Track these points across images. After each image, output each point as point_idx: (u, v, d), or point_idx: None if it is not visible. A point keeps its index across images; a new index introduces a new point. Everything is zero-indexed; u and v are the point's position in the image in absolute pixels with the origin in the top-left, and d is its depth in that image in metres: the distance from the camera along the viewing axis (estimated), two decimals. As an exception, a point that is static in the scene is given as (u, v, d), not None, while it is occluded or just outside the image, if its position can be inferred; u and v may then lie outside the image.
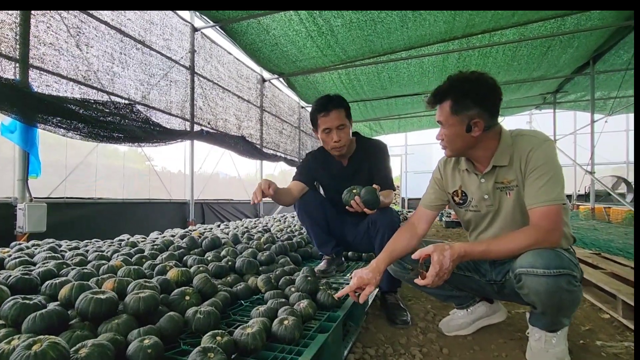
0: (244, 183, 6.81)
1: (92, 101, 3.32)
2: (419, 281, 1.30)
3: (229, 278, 1.66)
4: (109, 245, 2.19)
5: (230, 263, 1.83)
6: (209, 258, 1.90)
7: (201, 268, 1.61)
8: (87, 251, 2.04)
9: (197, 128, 4.77)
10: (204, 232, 3.20)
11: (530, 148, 1.31)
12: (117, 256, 1.84)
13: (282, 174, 8.85)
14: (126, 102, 3.71)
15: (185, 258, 1.88)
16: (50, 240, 2.39)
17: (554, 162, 1.29)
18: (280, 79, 7.20)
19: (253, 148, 5.86)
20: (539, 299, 1.22)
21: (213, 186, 6.14)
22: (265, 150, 6.70)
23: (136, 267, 1.55)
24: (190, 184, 4.83)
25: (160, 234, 3.24)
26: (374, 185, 1.64)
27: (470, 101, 1.30)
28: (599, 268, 2.36)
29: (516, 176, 1.35)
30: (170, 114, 4.35)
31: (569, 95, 9.26)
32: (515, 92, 8.64)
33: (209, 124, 5.05)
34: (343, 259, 2.27)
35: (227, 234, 3.24)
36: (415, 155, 12.55)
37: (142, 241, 2.52)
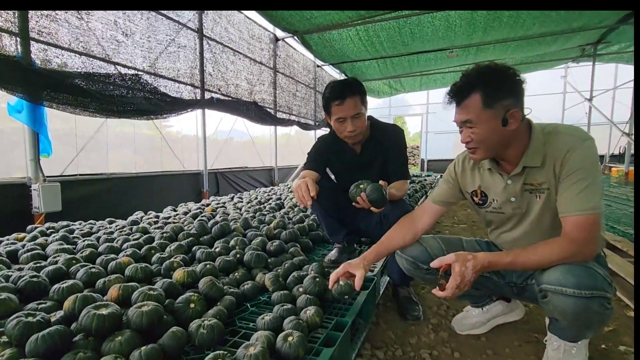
0: (257, 147, 6.73)
1: (98, 74, 3.22)
2: (437, 292, 1.22)
3: (237, 274, 1.64)
4: (120, 232, 2.20)
5: (238, 255, 1.80)
6: (217, 250, 1.88)
7: (208, 266, 1.58)
8: (98, 238, 2.06)
9: (207, 96, 4.62)
10: (216, 208, 3.20)
11: (568, 149, 1.15)
12: (127, 247, 1.85)
13: (297, 134, 8.69)
14: (132, 72, 3.58)
15: (194, 249, 1.87)
16: (65, 223, 2.44)
17: (593, 165, 1.14)
18: (295, 37, 6.80)
19: (265, 114, 5.70)
20: (565, 317, 1.13)
21: (227, 152, 6.11)
22: (278, 115, 6.51)
23: (143, 265, 1.54)
24: (204, 155, 4.80)
25: (173, 210, 3.27)
26: (381, 182, 1.54)
27: (503, 91, 1.14)
28: (628, 256, 2.22)
29: (548, 179, 1.21)
30: (179, 81, 4.21)
31: (611, 46, 8.39)
32: (551, 45, 7.89)
33: (219, 90, 4.88)
34: (355, 245, 2.21)
35: (240, 209, 3.24)
36: (437, 114, 12.00)
37: (154, 222, 2.53)
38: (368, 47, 7.33)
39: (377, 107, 12.90)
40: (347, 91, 1.68)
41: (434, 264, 1.23)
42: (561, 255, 1.12)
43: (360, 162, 1.93)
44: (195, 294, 1.30)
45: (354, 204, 1.54)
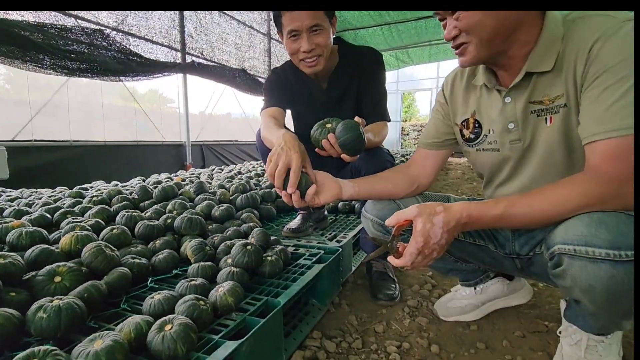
0: (251, 122, 6.33)
1: (51, 25, 2.85)
2: (392, 260, 0.84)
3: (157, 242, 1.29)
4: (50, 196, 1.87)
5: (169, 221, 1.45)
6: (147, 214, 1.52)
7: (115, 231, 1.23)
8: (19, 204, 1.73)
9: (188, 60, 4.22)
10: (186, 178, 2.86)
11: (598, 37, 0.72)
12: (40, 211, 1.51)
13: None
14: (95, 27, 3.21)
15: (121, 214, 1.51)
16: (0, 189, 2.13)
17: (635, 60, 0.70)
18: (290, 1, 6.27)
19: (255, 82, 5.26)
20: (591, 297, 0.72)
21: (221, 128, 5.74)
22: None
23: (32, 229, 1.20)
24: (186, 125, 4.43)
25: (142, 180, 2.95)
26: (357, 119, 1.04)
27: None
28: None
29: (566, 90, 0.79)
30: (153, 42, 3.81)
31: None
32: None
33: (202, 54, 4.47)
34: (326, 211, 1.83)
35: (213, 179, 2.90)
36: (449, 88, 11.34)
37: (103, 190, 2.19)
38: (371, 12, 6.74)
39: (385, 82, 12.25)
40: None
41: (390, 220, 0.83)
42: (585, 200, 0.70)
43: (327, 101, 1.51)
44: (66, 265, 0.95)
45: (317, 150, 1.06)
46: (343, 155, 1.02)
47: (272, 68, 1.61)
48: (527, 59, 0.81)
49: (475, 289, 1.21)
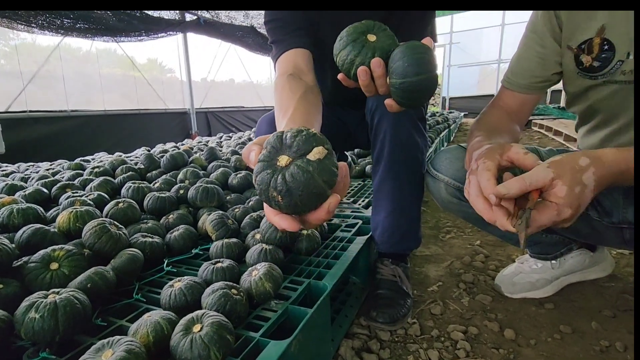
0: (256, 87, 6.00)
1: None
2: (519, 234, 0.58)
3: (171, 217, 1.11)
4: (48, 169, 1.69)
5: (182, 192, 1.26)
6: (156, 185, 1.34)
7: (122, 205, 1.04)
8: (13, 178, 1.56)
9: (191, 18, 3.88)
10: (194, 146, 2.66)
11: None
12: (36, 185, 1.33)
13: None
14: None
15: (127, 185, 1.33)
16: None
17: None
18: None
19: (265, 41, 4.90)
20: None
21: (225, 93, 5.44)
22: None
23: (25, 206, 1.02)
24: (189, 91, 4.16)
25: (147, 150, 2.75)
26: (427, 41, 0.58)
27: None
28: None
29: None
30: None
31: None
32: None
33: (208, 11, 4.11)
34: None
35: (223, 146, 2.70)
36: (462, 44, 10.65)
37: (105, 161, 2.01)
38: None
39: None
40: None
41: (510, 185, 0.54)
42: None
43: (370, 14, 0.87)
44: (63, 248, 0.77)
45: (341, 77, 0.64)
46: (388, 102, 0.62)
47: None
48: None
49: (551, 262, 1.02)
